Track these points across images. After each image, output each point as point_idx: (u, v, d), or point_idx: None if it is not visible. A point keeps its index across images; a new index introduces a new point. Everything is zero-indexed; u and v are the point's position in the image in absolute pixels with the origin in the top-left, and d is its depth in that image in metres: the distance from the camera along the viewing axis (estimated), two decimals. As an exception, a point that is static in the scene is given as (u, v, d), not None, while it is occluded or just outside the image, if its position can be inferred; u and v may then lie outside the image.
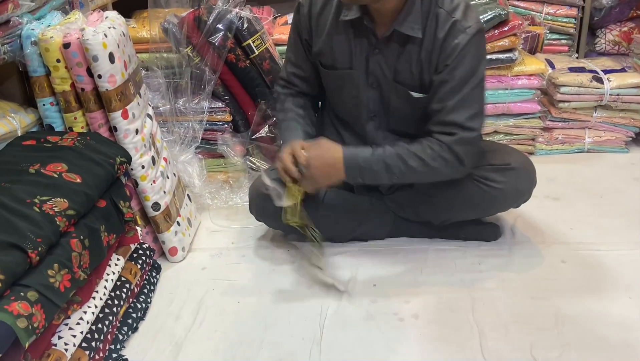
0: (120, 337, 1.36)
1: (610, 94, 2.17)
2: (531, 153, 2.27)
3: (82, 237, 1.18)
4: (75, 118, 1.46)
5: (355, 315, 1.46)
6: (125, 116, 1.49)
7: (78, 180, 1.25)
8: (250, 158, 2.05)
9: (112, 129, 1.49)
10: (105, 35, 1.40)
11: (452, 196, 1.61)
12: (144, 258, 1.52)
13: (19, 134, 1.47)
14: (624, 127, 2.25)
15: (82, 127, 1.48)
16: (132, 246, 1.48)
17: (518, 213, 1.84)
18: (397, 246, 1.74)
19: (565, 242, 1.72)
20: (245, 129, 2.06)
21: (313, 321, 1.44)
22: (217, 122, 2.03)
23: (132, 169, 1.52)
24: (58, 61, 1.40)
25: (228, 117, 2.03)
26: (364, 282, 1.58)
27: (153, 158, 1.60)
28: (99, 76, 1.41)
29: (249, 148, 2.06)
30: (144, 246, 1.55)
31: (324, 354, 1.34)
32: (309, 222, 1.55)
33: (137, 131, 1.53)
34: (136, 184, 1.55)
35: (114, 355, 1.31)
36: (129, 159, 1.44)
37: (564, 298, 1.48)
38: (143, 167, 1.55)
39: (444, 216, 1.68)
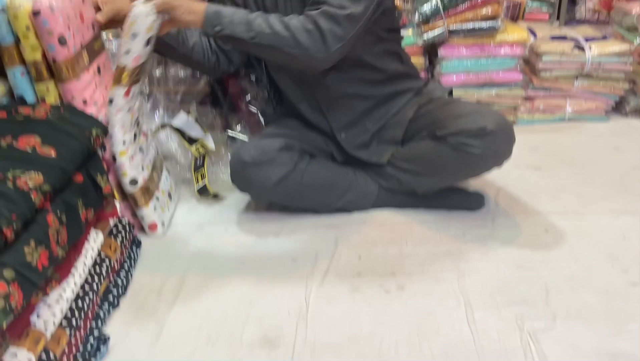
0: (102, 314, 1.32)
1: (591, 62, 2.17)
2: (513, 122, 2.26)
3: (58, 212, 1.13)
4: (48, 89, 1.40)
5: (341, 288, 1.44)
6: (127, 94, 1.46)
7: (53, 154, 1.20)
8: (230, 130, 2.01)
9: (108, 102, 1.46)
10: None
11: (433, 163, 1.61)
12: (123, 233, 1.47)
13: (-11, 106, 1.41)
14: (605, 95, 2.26)
15: (55, 99, 1.42)
16: (111, 221, 1.44)
17: (500, 184, 1.84)
18: (381, 217, 1.72)
19: (547, 212, 1.72)
20: (224, 101, 2.01)
21: (298, 295, 1.43)
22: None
23: (113, 144, 1.48)
24: (27, 28, 1.33)
25: (207, 89, 1.98)
26: (349, 254, 1.57)
27: (135, 134, 1.55)
28: (127, 51, 1.40)
29: (229, 120, 2.02)
30: (123, 221, 1.51)
31: (310, 328, 1.32)
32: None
33: (129, 109, 1.49)
34: (114, 158, 1.51)
35: (96, 333, 1.27)
36: (104, 131, 1.38)
37: (547, 267, 1.48)
38: (124, 142, 1.50)
39: (427, 184, 1.67)
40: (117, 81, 1.44)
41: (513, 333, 1.28)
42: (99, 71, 1.53)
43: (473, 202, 1.74)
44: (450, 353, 1.24)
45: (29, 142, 1.21)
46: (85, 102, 1.44)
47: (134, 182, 1.55)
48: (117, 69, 1.44)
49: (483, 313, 1.34)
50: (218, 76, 1.92)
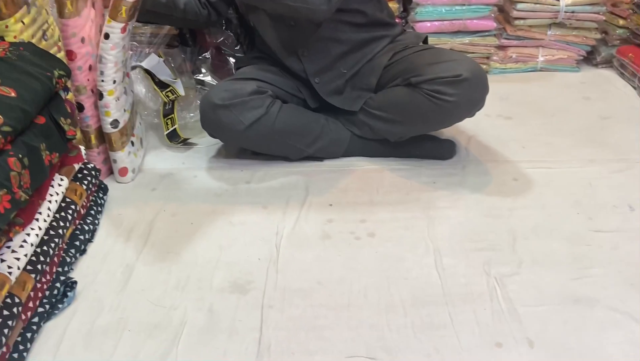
0: (68, 259, 1.30)
1: (565, 11, 2.15)
2: (486, 72, 2.25)
3: (20, 155, 1.09)
4: (7, 27, 1.33)
5: (312, 235, 1.44)
6: (124, 30, 1.41)
7: (12, 94, 1.15)
8: (199, 74, 1.96)
9: (104, 37, 1.41)
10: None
11: (407, 111, 1.59)
12: (89, 178, 1.44)
13: (-57, 44, 1.34)
14: (577, 45, 2.25)
15: (15, 37, 1.35)
16: (76, 166, 1.39)
17: (471, 133, 1.84)
18: (352, 165, 1.72)
19: (517, 160, 1.73)
20: (193, 44, 1.95)
21: (269, 241, 1.42)
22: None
23: (102, 81, 1.46)
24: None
25: (175, 31, 1.92)
26: (320, 202, 1.56)
27: (123, 74, 1.51)
28: None
29: (197, 63, 1.96)
30: (88, 166, 1.47)
31: (280, 273, 1.33)
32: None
33: (123, 47, 1.45)
34: (101, 96, 1.48)
35: (62, 278, 1.25)
36: (67, 72, 1.32)
37: (515, 215, 1.50)
38: (114, 82, 1.47)
39: (400, 132, 1.66)
40: (114, 16, 1.38)
41: (480, 278, 1.30)
42: (93, 5, 1.48)
43: (444, 150, 1.73)
44: (418, 297, 1.25)
45: (-14, 82, 1.16)
46: (83, 40, 1.39)
47: (115, 123, 1.51)
48: (114, 3, 1.37)
49: (451, 259, 1.36)
50: (208, 27, 1.89)
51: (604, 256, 1.36)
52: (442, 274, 1.31)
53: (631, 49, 2.16)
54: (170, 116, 1.80)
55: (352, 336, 1.16)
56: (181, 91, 1.82)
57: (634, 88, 2.10)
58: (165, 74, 1.81)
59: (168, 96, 1.78)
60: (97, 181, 1.50)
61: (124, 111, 1.56)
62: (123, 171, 1.62)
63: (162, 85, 1.81)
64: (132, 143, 1.63)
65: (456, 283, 1.29)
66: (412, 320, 1.20)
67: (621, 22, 2.22)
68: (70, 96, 1.47)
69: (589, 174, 1.66)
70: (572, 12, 2.16)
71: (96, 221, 1.46)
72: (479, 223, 1.48)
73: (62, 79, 1.30)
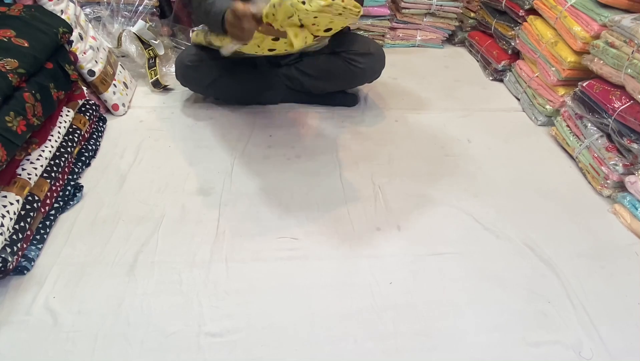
0: (76, 170, 1.23)
1: (436, 5, 2.13)
2: (381, 46, 2.21)
3: (33, 91, 1.00)
4: (18, -9, 1.18)
5: (256, 156, 1.43)
6: None
7: (26, 44, 1.04)
8: (174, 38, 1.83)
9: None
10: None
11: (328, 73, 1.56)
12: (91, 111, 1.34)
13: (-34, 2, 1.18)
14: (442, 29, 2.25)
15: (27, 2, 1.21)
16: (80, 102, 1.30)
17: (369, 88, 1.83)
18: (287, 109, 1.68)
19: (398, 108, 1.74)
20: (170, 13, 1.81)
21: (226, 160, 1.40)
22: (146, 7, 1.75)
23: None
24: None
25: (156, 3, 1.76)
26: (263, 133, 1.53)
27: (80, 35, 1.36)
28: None
29: (174, 29, 1.83)
30: (90, 102, 1.37)
31: (233, 182, 1.31)
32: None
33: (62, 12, 1.29)
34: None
35: (72, 183, 1.19)
36: (70, 29, 1.21)
37: (394, 144, 1.53)
38: (72, 41, 1.33)
39: (321, 87, 1.63)
40: None
41: (367, 185, 1.33)
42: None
43: (350, 100, 1.72)
44: (327, 198, 1.28)
45: (5, 34, 1.04)
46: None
47: (91, 72, 1.39)
48: None
49: (349, 173, 1.38)
50: None
51: (449, 172, 1.41)
52: (344, 183, 1.34)
53: (477, 34, 2.17)
54: (153, 68, 1.68)
55: (281, 224, 1.19)
56: (160, 51, 1.70)
57: (477, 61, 2.13)
58: (149, 37, 1.68)
59: (150, 53, 1.66)
60: (98, 114, 1.41)
61: (96, 62, 1.43)
62: (115, 107, 1.51)
63: (146, 45, 1.68)
64: (115, 85, 1.51)
65: (352, 188, 1.32)
66: (322, 213, 1.23)
67: (472, 14, 2.22)
68: (74, 48, 1.34)
69: (444, 118, 1.69)
70: (440, 5, 2.14)
71: (98, 143, 1.38)
72: (370, 149, 1.49)
73: (66, 35, 1.19)
